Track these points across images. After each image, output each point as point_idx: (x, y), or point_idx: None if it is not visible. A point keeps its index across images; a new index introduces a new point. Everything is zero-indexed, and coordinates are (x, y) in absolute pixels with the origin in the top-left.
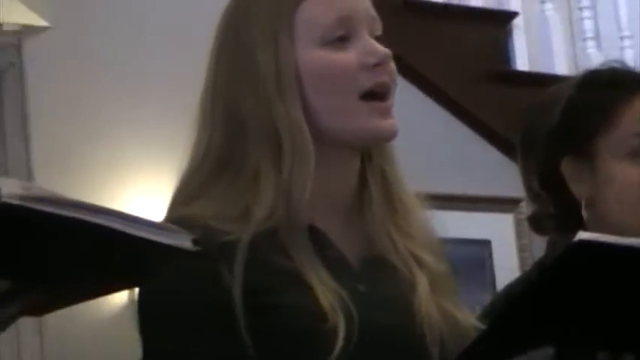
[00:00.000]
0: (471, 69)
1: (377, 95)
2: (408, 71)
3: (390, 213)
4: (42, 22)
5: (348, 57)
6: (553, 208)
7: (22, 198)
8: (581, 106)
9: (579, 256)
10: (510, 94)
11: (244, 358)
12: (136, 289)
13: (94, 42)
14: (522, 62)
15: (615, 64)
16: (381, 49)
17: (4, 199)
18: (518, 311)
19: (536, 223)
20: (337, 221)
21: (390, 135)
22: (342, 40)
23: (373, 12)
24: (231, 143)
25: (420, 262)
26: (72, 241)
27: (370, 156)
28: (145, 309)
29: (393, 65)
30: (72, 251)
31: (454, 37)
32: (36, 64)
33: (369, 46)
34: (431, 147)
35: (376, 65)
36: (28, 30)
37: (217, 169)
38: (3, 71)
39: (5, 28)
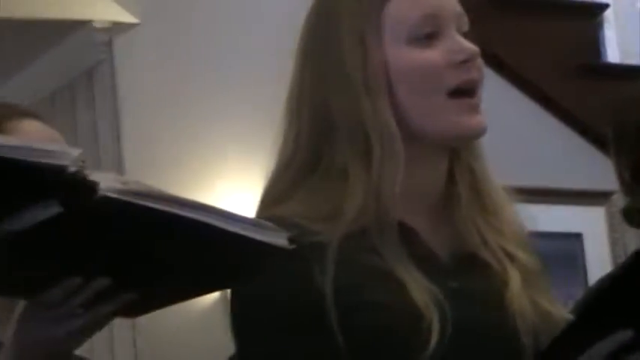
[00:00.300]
0: (561, 62)
1: (464, 92)
2: (498, 66)
3: (479, 210)
4: (132, 19)
5: (435, 54)
6: None
7: (120, 192)
8: None
9: None
10: (602, 86)
11: (337, 357)
12: (228, 290)
13: (184, 38)
14: (613, 54)
15: None
16: (468, 45)
17: (103, 193)
18: (605, 301)
19: (630, 216)
20: (426, 218)
21: (479, 132)
22: (429, 37)
23: (459, 8)
24: (319, 143)
25: (511, 258)
26: (168, 237)
27: (459, 154)
28: (239, 310)
29: (480, 62)
30: (168, 249)
31: (544, 31)
32: (126, 60)
33: (457, 44)
34: (522, 141)
35: (463, 62)
36: (119, 27)
37: (305, 168)
38: (94, 68)
39: (96, 25)
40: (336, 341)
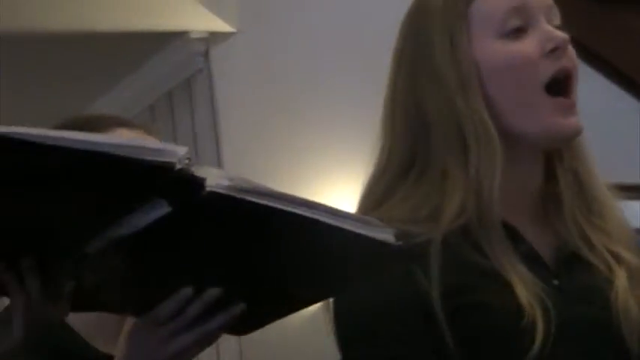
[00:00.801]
0: None
1: (561, 86)
2: (595, 60)
3: (584, 211)
4: (229, 28)
5: (526, 46)
6: None
7: (228, 188)
8: None
9: None
10: None
11: (447, 358)
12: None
13: (281, 46)
14: None
15: None
16: (558, 33)
17: (211, 189)
18: None
19: None
20: (527, 217)
21: (573, 134)
22: (518, 30)
23: (550, 1)
24: (415, 144)
25: (617, 259)
26: (277, 237)
27: (561, 154)
28: (344, 318)
29: (572, 50)
30: (276, 251)
31: (638, 25)
32: (224, 69)
33: (546, 32)
34: (621, 136)
35: (554, 50)
36: (216, 36)
37: (402, 171)
38: (192, 78)
39: (193, 35)
40: (445, 344)
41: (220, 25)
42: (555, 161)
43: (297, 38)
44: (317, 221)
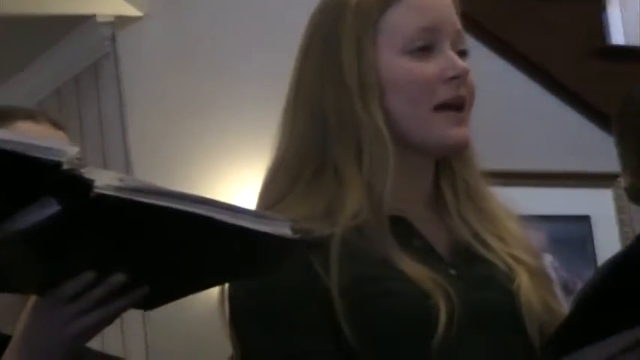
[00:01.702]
0: (568, 46)
1: (452, 106)
2: (507, 51)
3: (476, 216)
4: (136, 13)
5: (427, 68)
6: None
7: (116, 189)
8: None
9: None
10: (607, 69)
11: (346, 349)
12: (227, 286)
13: (188, 31)
14: (618, 37)
15: None
16: (460, 63)
17: (98, 191)
18: (606, 291)
19: (634, 194)
20: (423, 215)
21: (461, 145)
22: (423, 50)
23: (459, 26)
24: (313, 143)
25: (517, 260)
26: (171, 232)
27: (450, 164)
28: (243, 309)
29: (471, 80)
30: (174, 244)
31: (550, 15)
32: (131, 54)
33: (449, 60)
34: (530, 125)
35: (454, 78)
36: (122, 21)
37: (300, 169)
38: (99, 62)
39: (99, 19)
40: (344, 334)
41: (128, 9)
42: (443, 170)
43: (205, 24)
44: (210, 218)
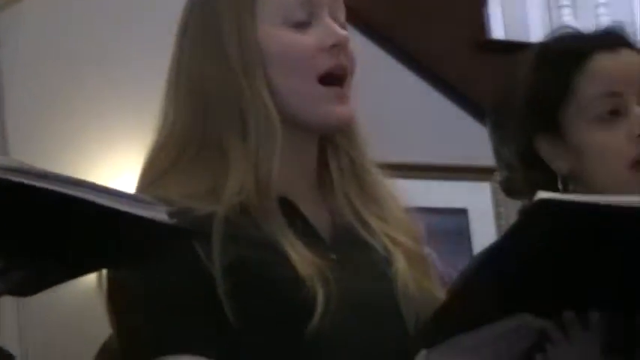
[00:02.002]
0: (447, 38)
1: (335, 78)
2: (388, 42)
3: (361, 197)
4: None
5: (307, 38)
6: (533, 184)
7: None
8: (540, 81)
9: (541, 216)
10: (487, 62)
11: (228, 332)
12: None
13: (67, 14)
14: (498, 31)
15: (566, 31)
16: (340, 31)
17: None
18: (479, 279)
19: (508, 187)
20: (306, 195)
21: (345, 122)
22: (303, 22)
23: None
24: (196, 120)
25: (394, 242)
26: (49, 214)
27: (334, 141)
28: (122, 289)
29: (351, 49)
30: (51, 226)
31: (430, 7)
32: (8, 38)
33: (328, 28)
34: (409, 117)
35: (334, 46)
36: (1, 4)
37: (182, 145)
38: None
39: None
40: (226, 320)
41: None
42: (329, 146)
43: (85, 6)
44: (86, 200)
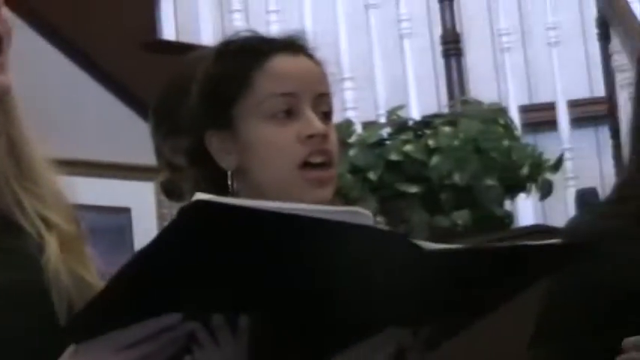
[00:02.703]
0: (117, 38)
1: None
2: (56, 38)
3: (19, 177)
4: None
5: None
6: (202, 182)
7: None
8: (217, 77)
9: (195, 217)
10: (157, 63)
11: None
12: None
13: None
14: (170, 32)
15: (247, 33)
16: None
17: None
18: (128, 276)
19: (169, 189)
20: None
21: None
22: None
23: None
24: None
25: (48, 224)
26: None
27: None
28: None
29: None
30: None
31: (101, 6)
32: None
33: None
34: (76, 114)
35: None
36: None
37: None
38: None
39: None
40: None
41: None
42: None
43: None
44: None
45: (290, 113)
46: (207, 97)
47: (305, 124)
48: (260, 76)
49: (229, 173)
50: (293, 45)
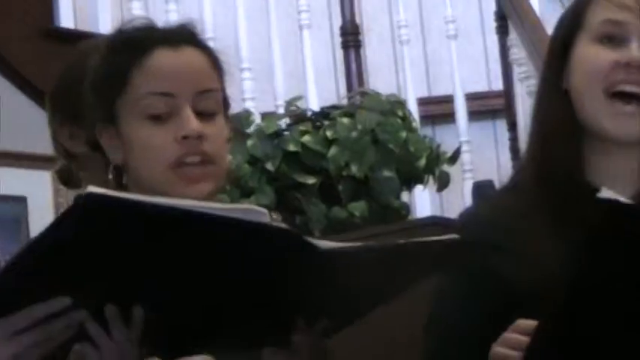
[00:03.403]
0: (14, 24)
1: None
2: None
3: None
4: None
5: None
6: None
7: None
8: (101, 72)
9: (84, 209)
10: (54, 51)
11: None
12: None
13: None
14: (68, 20)
15: (139, 21)
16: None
17: None
18: (19, 266)
19: (64, 177)
20: None
21: None
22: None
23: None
24: None
25: None
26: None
27: None
28: None
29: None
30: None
31: None
32: None
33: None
34: None
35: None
36: None
37: None
38: None
39: None
40: None
41: None
42: None
43: None
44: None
45: (168, 112)
46: (94, 91)
47: (180, 125)
48: (138, 75)
49: (116, 167)
50: (176, 37)
